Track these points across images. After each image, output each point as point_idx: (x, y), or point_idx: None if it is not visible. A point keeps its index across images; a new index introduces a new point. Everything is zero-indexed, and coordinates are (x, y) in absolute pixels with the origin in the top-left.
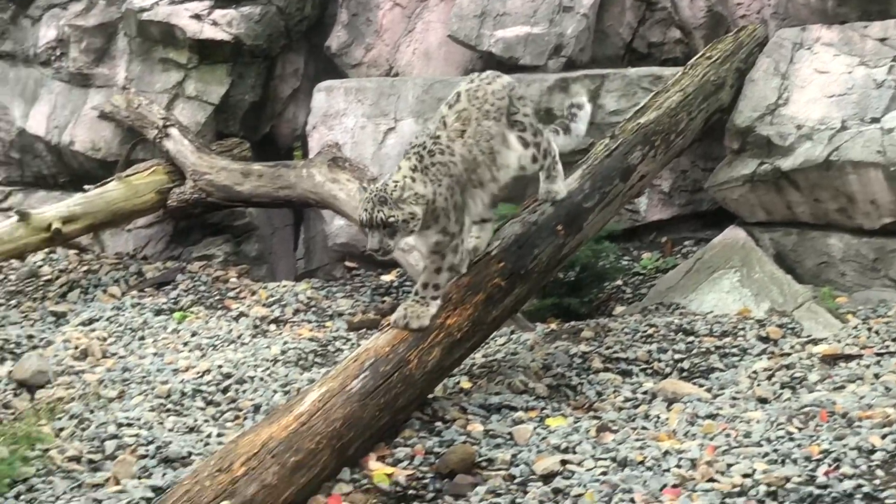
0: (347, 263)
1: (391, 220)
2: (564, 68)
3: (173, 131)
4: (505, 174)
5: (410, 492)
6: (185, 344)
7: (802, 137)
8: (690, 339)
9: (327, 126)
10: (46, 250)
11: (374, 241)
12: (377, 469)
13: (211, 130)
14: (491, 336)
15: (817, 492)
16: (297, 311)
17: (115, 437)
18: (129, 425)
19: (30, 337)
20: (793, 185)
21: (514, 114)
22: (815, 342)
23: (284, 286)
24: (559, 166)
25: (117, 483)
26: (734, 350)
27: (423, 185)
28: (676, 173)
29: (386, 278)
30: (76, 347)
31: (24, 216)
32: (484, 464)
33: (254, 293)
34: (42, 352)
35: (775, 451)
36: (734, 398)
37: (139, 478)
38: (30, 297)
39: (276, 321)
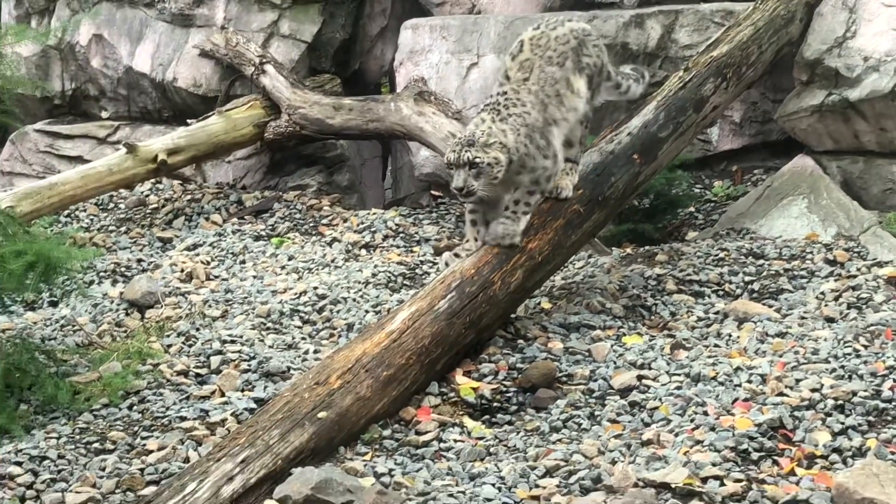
0: (433, 192)
1: (477, 160)
2: (640, 4)
3: (269, 68)
4: (574, 116)
5: (495, 405)
6: (283, 267)
7: (869, 69)
8: (760, 262)
9: (413, 62)
10: (153, 180)
11: (460, 180)
12: (464, 383)
13: (304, 67)
14: (570, 259)
15: (882, 405)
16: (386, 237)
17: (219, 352)
18: (233, 342)
19: (139, 261)
20: (859, 114)
21: (583, 57)
22: (881, 265)
23: (374, 213)
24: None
25: (222, 395)
26: (802, 272)
27: (504, 134)
28: (747, 104)
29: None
30: (182, 270)
31: (132, 148)
32: (564, 379)
33: (346, 220)
34: (151, 274)
35: (842, 367)
36: (802, 318)
37: (242, 390)
38: (138, 223)
39: (366, 246)
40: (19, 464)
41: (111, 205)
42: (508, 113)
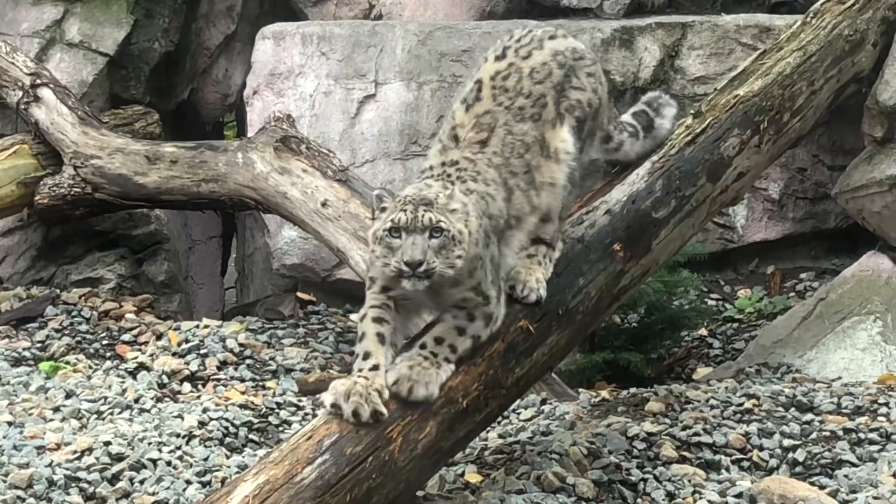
0: (301, 295)
1: (442, 224)
2: (628, 13)
3: (46, 93)
4: (548, 197)
5: None
6: (57, 410)
7: None
8: (808, 417)
9: (275, 90)
10: None
11: (417, 250)
12: None
13: (103, 94)
14: (512, 406)
15: None
16: (224, 364)
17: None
18: None
19: None
20: None
21: (571, 92)
22: None
23: (206, 327)
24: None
25: None
26: (872, 436)
27: (466, 212)
28: (791, 172)
29: (357, 317)
30: None
31: None
32: None
33: (160, 336)
34: None
35: None
36: None
37: None
38: None
39: (192, 378)
40: None
41: None
42: (468, 189)
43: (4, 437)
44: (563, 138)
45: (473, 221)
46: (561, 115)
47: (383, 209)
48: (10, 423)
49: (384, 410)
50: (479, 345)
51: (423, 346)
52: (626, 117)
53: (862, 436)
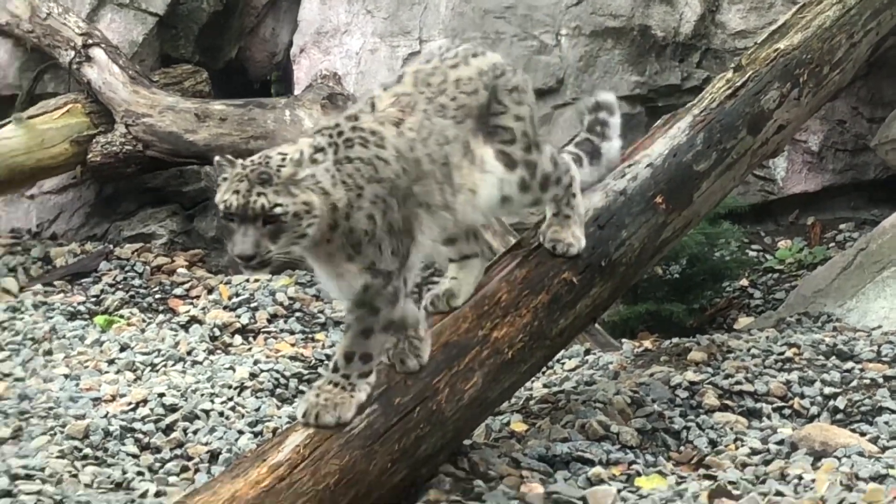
0: None
1: (277, 209)
2: None
3: (98, 53)
4: (466, 204)
5: None
6: (112, 362)
7: None
8: (848, 365)
9: (321, 48)
10: None
11: (248, 243)
12: None
13: (153, 53)
14: (557, 356)
15: None
16: (274, 317)
17: (6, 494)
18: (29, 478)
19: None
20: None
21: (495, 114)
22: None
23: (256, 281)
24: (577, 201)
25: None
26: None
27: (329, 179)
28: (831, 124)
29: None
30: None
31: None
32: None
33: (211, 290)
34: None
35: None
36: None
37: None
38: None
39: (243, 331)
40: None
41: None
42: (348, 156)
43: (61, 390)
44: (489, 157)
45: (339, 192)
46: (489, 132)
47: (224, 179)
48: (66, 376)
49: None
50: (400, 320)
51: (333, 369)
52: (570, 147)
53: None
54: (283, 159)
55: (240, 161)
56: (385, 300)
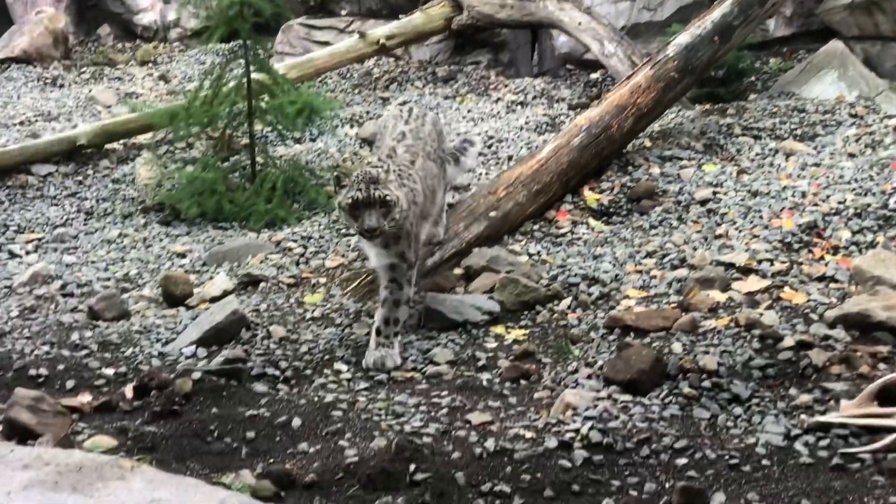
0: (568, 66)
1: (388, 197)
2: None
3: None
4: (436, 213)
5: (611, 210)
6: (464, 117)
7: None
8: (802, 115)
9: None
10: (376, 58)
11: (373, 220)
12: (589, 195)
13: None
14: (665, 112)
15: (889, 213)
16: (535, 97)
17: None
18: None
19: (367, 112)
20: (880, 10)
21: (441, 150)
22: (890, 117)
23: (526, 81)
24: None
25: None
26: (832, 122)
27: (397, 186)
28: (796, 3)
29: (593, 76)
30: None
31: (362, 35)
32: (660, 193)
33: (506, 85)
34: (375, 121)
35: (860, 187)
36: (832, 154)
37: None
38: (366, 87)
39: (521, 104)
40: (294, 241)
41: (348, 74)
42: (402, 181)
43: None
44: (441, 181)
45: (402, 194)
46: (439, 158)
47: (342, 186)
48: (445, 123)
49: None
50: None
51: (377, 332)
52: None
53: (827, 122)
54: (376, 168)
55: (354, 173)
56: (406, 281)
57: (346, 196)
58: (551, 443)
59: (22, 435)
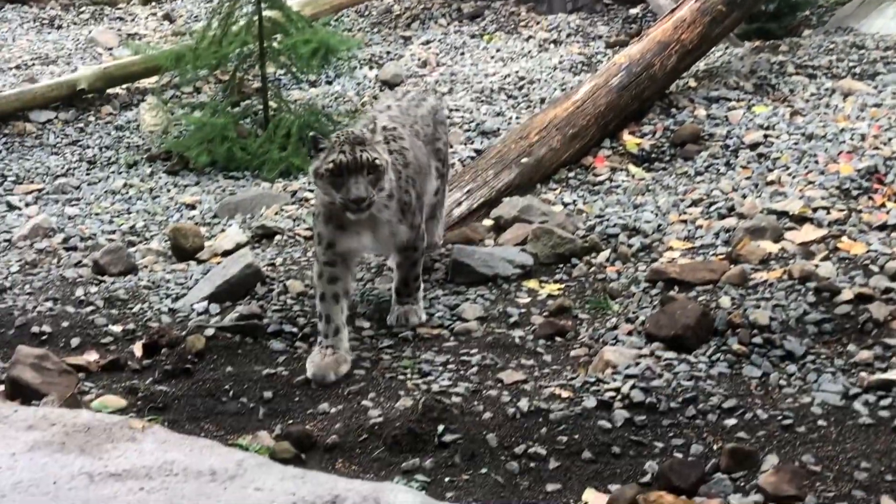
0: (605, 0)
1: (377, 161)
2: None
3: None
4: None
5: (653, 155)
6: (492, 57)
7: None
8: (861, 51)
9: None
10: None
11: (360, 188)
12: (629, 140)
13: None
14: (712, 49)
15: None
16: (569, 35)
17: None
18: (457, 110)
19: (388, 52)
20: None
21: (436, 140)
22: None
23: (560, 17)
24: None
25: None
26: (894, 59)
27: (386, 153)
28: None
29: (633, 11)
30: (418, 59)
31: None
32: (706, 137)
33: (538, 23)
34: (396, 62)
35: None
36: (894, 93)
37: (464, 144)
38: (386, 26)
39: (554, 42)
40: (311, 191)
41: (367, 11)
42: (390, 148)
43: (469, 70)
44: (433, 170)
45: (392, 166)
46: (432, 153)
47: (321, 149)
48: (471, 64)
49: (348, 368)
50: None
51: (398, 293)
52: None
53: (889, 59)
54: (364, 128)
55: (332, 135)
56: (420, 244)
57: (325, 161)
58: (589, 402)
59: (25, 394)
